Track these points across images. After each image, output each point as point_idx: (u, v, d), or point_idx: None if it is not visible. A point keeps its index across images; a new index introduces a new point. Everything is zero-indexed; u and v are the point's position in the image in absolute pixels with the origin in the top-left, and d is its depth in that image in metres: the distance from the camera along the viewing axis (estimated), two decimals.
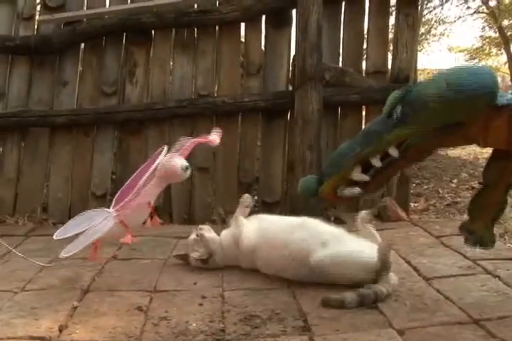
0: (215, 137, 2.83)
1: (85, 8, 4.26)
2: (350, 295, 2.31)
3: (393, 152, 2.19)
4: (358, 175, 2.28)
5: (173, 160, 2.73)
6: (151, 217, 2.84)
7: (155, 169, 2.75)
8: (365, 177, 2.28)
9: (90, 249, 2.69)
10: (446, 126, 2.12)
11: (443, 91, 2.03)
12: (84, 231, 2.64)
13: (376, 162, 2.24)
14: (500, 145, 2.16)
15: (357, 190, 2.31)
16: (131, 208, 2.69)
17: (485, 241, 2.36)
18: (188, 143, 2.79)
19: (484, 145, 2.21)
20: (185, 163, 2.73)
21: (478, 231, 2.35)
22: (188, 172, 2.76)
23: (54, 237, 2.69)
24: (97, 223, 2.65)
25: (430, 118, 2.11)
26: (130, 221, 2.71)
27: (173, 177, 2.81)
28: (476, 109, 2.06)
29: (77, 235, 2.65)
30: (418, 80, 4.33)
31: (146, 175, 2.74)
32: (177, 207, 4.06)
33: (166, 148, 2.84)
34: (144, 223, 2.85)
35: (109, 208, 2.77)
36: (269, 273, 2.71)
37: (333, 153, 2.51)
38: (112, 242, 3.01)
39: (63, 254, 2.58)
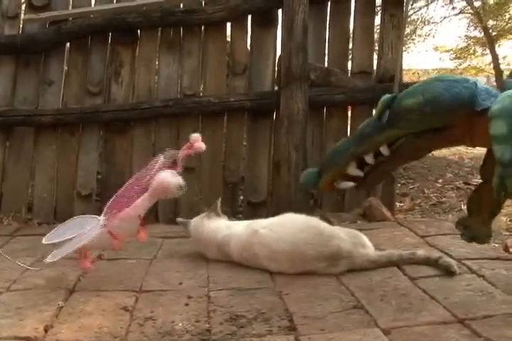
0: (200, 144, 2.81)
1: (71, 7, 4.24)
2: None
3: (384, 151, 2.31)
4: (353, 170, 2.40)
5: (168, 177, 2.71)
6: (141, 229, 2.83)
7: (148, 181, 2.74)
8: (360, 173, 2.40)
9: (78, 256, 2.70)
10: (430, 129, 2.23)
11: (420, 107, 2.15)
12: (72, 237, 2.62)
13: (369, 159, 2.36)
14: (487, 145, 2.19)
15: (351, 183, 2.45)
16: (121, 219, 2.68)
17: (481, 236, 2.44)
18: (179, 157, 2.75)
19: (472, 146, 2.33)
20: (180, 181, 2.70)
21: (474, 227, 2.42)
22: (183, 190, 2.75)
23: (43, 242, 2.68)
24: (85, 231, 2.64)
25: (412, 125, 2.23)
26: (119, 232, 2.69)
27: (167, 194, 2.79)
28: (454, 118, 2.17)
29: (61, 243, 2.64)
30: (403, 80, 4.34)
31: (139, 187, 2.75)
32: (162, 206, 4.05)
33: (162, 158, 2.82)
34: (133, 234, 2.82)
35: (99, 215, 2.75)
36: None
37: (330, 150, 2.65)
38: (100, 250, 3.05)
39: (49, 259, 2.57)
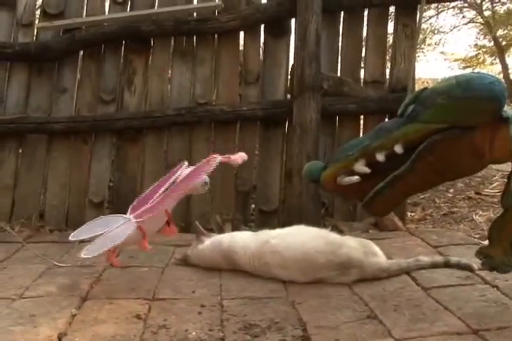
0: (238, 158, 2.88)
1: (84, 15, 4.25)
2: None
3: (398, 149, 2.25)
4: (359, 166, 2.33)
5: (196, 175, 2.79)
6: (168, 224, 2.89)
7: (175, 181, 2.84)
8: (366, 170, 2.33)
9: (106, 254, 2.75)
10: (451, 127, 2.19)
11: (452, 89, 2.13)
12: (101, 234, 2.66)
13: (380, 157, 2.30)
14: (506, 158, 2.18)
15: (355, 177, 2.35)
16: (150, 215, 2.72)
17: (502, 266, 2.35)
18: (213, 161, 2.81)
19: (490, 157, 2.23)
20: (207, 178, 2.81)
21: (496, 257, 2.33)
22: (207, 187, 2.86)
23: (70, 238, 2.72)
24: (115, 227, 2.69)
25: (437, 115, 2.18)
26: (147, 228, 2.74)
27: (194, 191, 2.90)
28: (480, 113, 2.13)
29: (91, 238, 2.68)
30: (415, 90, 4.34)
31: (166, 185, 2.84)
32: (174, 215, 4.01)
33: (186, 163, 2.94)
34: (160, 230, 2.90)
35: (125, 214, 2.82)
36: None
37: (343, 145, 2.56)
38: (127, 248, 3.06)
39: (83, 255, 2.59)
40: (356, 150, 2.34)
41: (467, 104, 2.11)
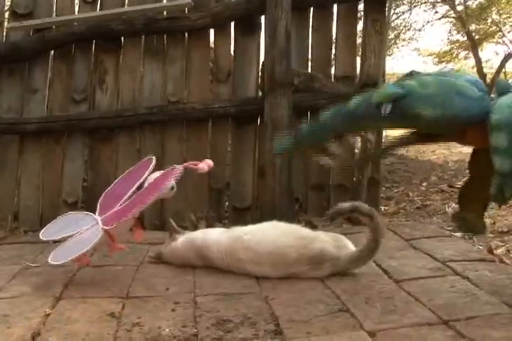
0: (205, 166, 2.90)
1: (54, 15, 4.23)
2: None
3: (371, 137, 2.32)
4: (334, 147, 2.46)
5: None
6: (136, 229, 2.92)
7: (142, 183, 2.86)
8: (340, 151, 2.46)
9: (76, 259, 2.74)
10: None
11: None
12: (70, 235, 2.70)
13: (352, 140, 2.41)
14: (477, 145, 2.23)
15: (331, 162, 2.56)
16: (118, 220, 2.72)
17: (477, 227, 2.52)
18: (178, 168, 2.83)
19: (463, 144, 2.41)
20: (172, 182, 2.81)
21: (470, 219, 2.48)
22: (174, 191, 2.86)
23: (40, 237, 2.78)
24: (83, 229, 2.73)
25: (416, 127, 2.29)
26: (115, 232, 2.75)
27: (161, 196, 2.88)
28: (459, 126, 2.21)
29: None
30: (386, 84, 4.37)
31: (135, 186, 2.87)
32: (148, 213, 4.05)
33: (154, 159, 2.96)
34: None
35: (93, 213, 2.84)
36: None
37: (312, 124, 2.59)
38: (95, 250, 3.06)
39: (52, 262, 2.61)
40: (328, 134, 2.41)
41: (451, 127, 2.16)
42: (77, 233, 2.72)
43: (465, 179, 2.52)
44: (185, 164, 2.90)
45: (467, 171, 2.58)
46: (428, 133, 2.31)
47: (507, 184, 2.03)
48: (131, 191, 2.85)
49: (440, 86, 2.26)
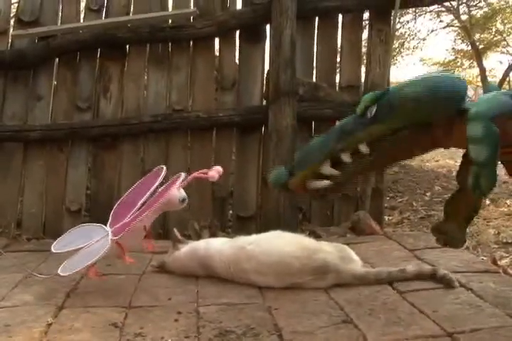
0: (214, 173, 2.89)
1: (59, 23, 4.24)
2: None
3: (363, 148, 2.28)
4: (327, 168, 2.34)
5: (173, 191, 2.79)
6: (147, 239, 2.91)
7: (154, 192, 2.85)
8: (334, 172, 2.34)
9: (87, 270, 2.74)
10: (415, 126, 2.22)
11: (417, 90, 2.16)
12: (81, 247, 2.70)
13: (346, 157, 2.31)
14: (463, 146, 2.23)
15: (325, 182, 2.36)
16: (128, 231, 2.71)
17: (455, 241, 2.52)
18: (188, 177, 2.84)
19: (448, 146, 2.34)
20: (183, 194, 2.81)
21: (449, 232, 2.47)
22: (185, 203, 2.85)
23: (52, 249, 2.76)
24: (94, 241, 2.73)
25: (402, 116, 2.20)
26: (125, 243, 2.74)
27: (171, 207, 2.89)
28: (445, 111, 2.18)
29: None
30: None
31: (145, 197, 2.86)
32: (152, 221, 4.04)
33: (165, 168, 2.93)
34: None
35: (104, 224, 2.84)
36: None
37: (304, 148, 2.56)
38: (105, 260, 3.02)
39: (61, 273, 2.61)
40: (322, 154, 2.34)
41: (433, 104, 2.15)
42: (87, 245, 2.72)
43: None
44: (195, 174, 2.89)
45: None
46: (418, 128, 2.28)
47: (482, 173, 2.04)
48: (141, 201, 2.85)
49: (418, 76, 2.29)
